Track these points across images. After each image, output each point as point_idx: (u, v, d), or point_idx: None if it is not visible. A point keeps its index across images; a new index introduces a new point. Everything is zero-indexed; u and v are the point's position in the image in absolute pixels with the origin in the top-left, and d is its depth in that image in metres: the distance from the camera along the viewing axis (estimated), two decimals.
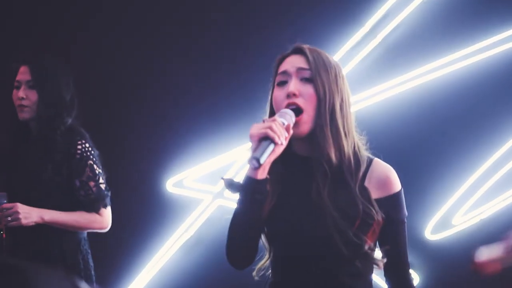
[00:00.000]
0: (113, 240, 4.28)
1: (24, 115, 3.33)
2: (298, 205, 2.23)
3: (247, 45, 4.62)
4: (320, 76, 2.22)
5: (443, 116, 4.27)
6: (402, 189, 2.28)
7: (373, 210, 2.19)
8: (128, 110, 4.78)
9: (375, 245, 2.25)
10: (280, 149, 2.12)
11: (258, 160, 2.06)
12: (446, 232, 4.25)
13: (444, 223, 4.25)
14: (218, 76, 4.66)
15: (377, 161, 2.28)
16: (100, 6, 4.84)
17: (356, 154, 2.24)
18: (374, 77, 4.34)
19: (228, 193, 4.48)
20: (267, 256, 2.32)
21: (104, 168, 3.43)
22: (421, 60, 4.29)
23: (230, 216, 4.33)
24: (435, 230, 4.26)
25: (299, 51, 2.29)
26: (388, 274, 2.31)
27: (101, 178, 3.33)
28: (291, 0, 4.58)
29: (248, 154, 2.12)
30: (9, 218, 3.14)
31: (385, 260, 2.23)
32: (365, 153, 2.27)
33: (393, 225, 2.25)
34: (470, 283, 4.20)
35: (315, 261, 2.19)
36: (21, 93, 3.32)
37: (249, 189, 2.14)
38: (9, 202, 3.19)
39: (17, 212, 3.15)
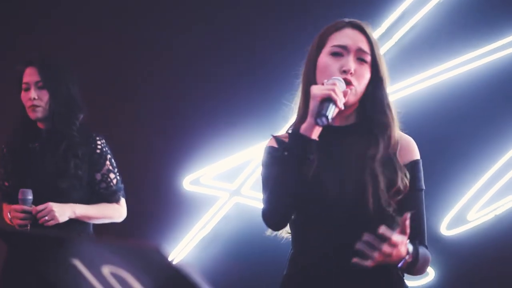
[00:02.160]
0: (131, 237, 4.32)
1: (37, 114, 3.39)
2: (340, 171, 2.28)
3: (264, 44, 4.66)
4: (378, 60, 2.35)
5: (458, 114, 4.30)
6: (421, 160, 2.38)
7: (406, 177, 2.29)
8: (145, 109, 4.82)
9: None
10: (335, 113, 2.21)
11: (327, 117, 2.16)
12: (461, 228, 4.27)
13: (459, 219, 4.27)
14: (236, 75, 4.69)
15: (399, 133, 2.39)
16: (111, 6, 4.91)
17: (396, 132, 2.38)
18: (390, 76, 4.35)
19: (245, 190, 4.54)
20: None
21: (122, 166, 3.54)
22: (436, 60, 4.32)
23: (248, 215, 4.34)
24: (450, 226, 4.29)
25: (360, 29, 2.34)
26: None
27: (117, 171, 3.47)
28: (309, 1, 4.62)
29: (313, 111, 2.19)
30: (47, 218, 3.22)
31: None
32: None
33: (412, 193, 2.32)
34: (484, 278, 4.26)
35: (344, 227, 2.25)
36: (32, 94, 3.37)
37: (303, 149, 2.20)
38: (34, 197, 3.25)
39: (53, 211, 3.23)
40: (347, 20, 2.39)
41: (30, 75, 3.41)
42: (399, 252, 2.14)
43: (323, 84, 2.24)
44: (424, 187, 2.37)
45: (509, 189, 4.22)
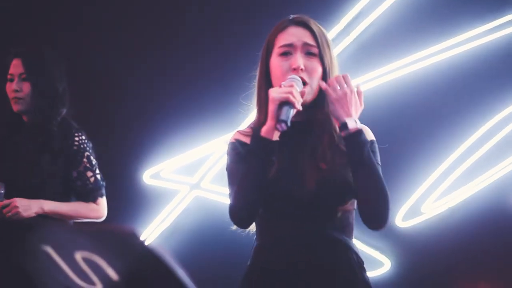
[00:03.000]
0: None
1: (19, 107, 3.38)
2: (298, 167, 2.31)
3: (221, 41, 4.70)
4: (325, 53, 2.35)
5: (414, 108, 4.39)
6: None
7: None
8: (106, 103, 4.83)
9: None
10: (294, 114, 2.24)
11: (286, 123, 2.19)
12: (415, 220, 4.36)
13: (414, 211, 4.36)
14: (195, 71, 4.73)
15: None
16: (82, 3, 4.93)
17: None
18: (347, 72, 4.41)
19: (205, 184, 4.58)
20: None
21: None
22: (392, 57, 4.40)
23: (207, 208, 4.30)
24: (405, 218, 4.37)
25: (303, 24, 2.37)
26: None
27: (97, 169, 3.42)
28: (267, 0, 4.67)
29: (272, 115, 2.22)
30: (10, 214, 3.20)
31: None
32: None
33: None
34: (438, 269, 4.35)
35: (309, 217, 2.30)
36: (15, 85, 3.38)
37: (265, 151, 2.25)
38: (8, 191, 3.24)
39: (16, 207, 3.20)
40: (290, 17, 2.41)
41: (15, 67, 3.40)
42: (346, 97, 2.26)
43: (280, 86, 2.27)
44: (380, 163, 2.37)
45: (462, 181, 4.31)
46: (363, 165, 2.28)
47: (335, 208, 2.31)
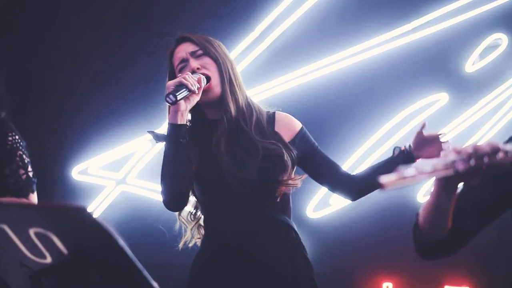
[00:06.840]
0: None
1: None
2: (215, 159, 2.56)
3: (144, 45, 4.84)
4: (209, 49, 2.67)
5: (323, 108, 4.57)
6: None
7: (289, 148, 2.62)
8: (35, 102, 4.89)
9: (290, 175, 2.64)
10: (194, 99, 2.52)
11: (174, 95, 2.43)
12: (324, 211, 4.53)
13: (323, 203, 4.53)
14: (121, 72, 4.86)
15: (278, 112, 2.75)
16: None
17: (249, 104, 2.68)
18: (262, 76, 4.58)
19: (130, 179, 4.74)
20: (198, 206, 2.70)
21: None
22: (303, 62, 4.59)
23: (132, 202, 4.44)
24: (316, 209, 4.54)
25: (182, 40, 2.71)
26: (331, 182, 2.79)
27: (29, 167, 3.49)
28: (185, 5, 4.81)
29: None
30: None
31: (298, 180, 2.64)
32: (260, 106, 2.73)
33: (313, 152, 2.73)
34: (344, 255, 4.56)
35: (240, 201, 2.56)
36: None
37: (173, 134, 2.50)
38: None
39: None
40: (176, 36, 2.75)
41: None
42: None
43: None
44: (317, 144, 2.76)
45: None
46: None
47: (272, 191, 2.58)
